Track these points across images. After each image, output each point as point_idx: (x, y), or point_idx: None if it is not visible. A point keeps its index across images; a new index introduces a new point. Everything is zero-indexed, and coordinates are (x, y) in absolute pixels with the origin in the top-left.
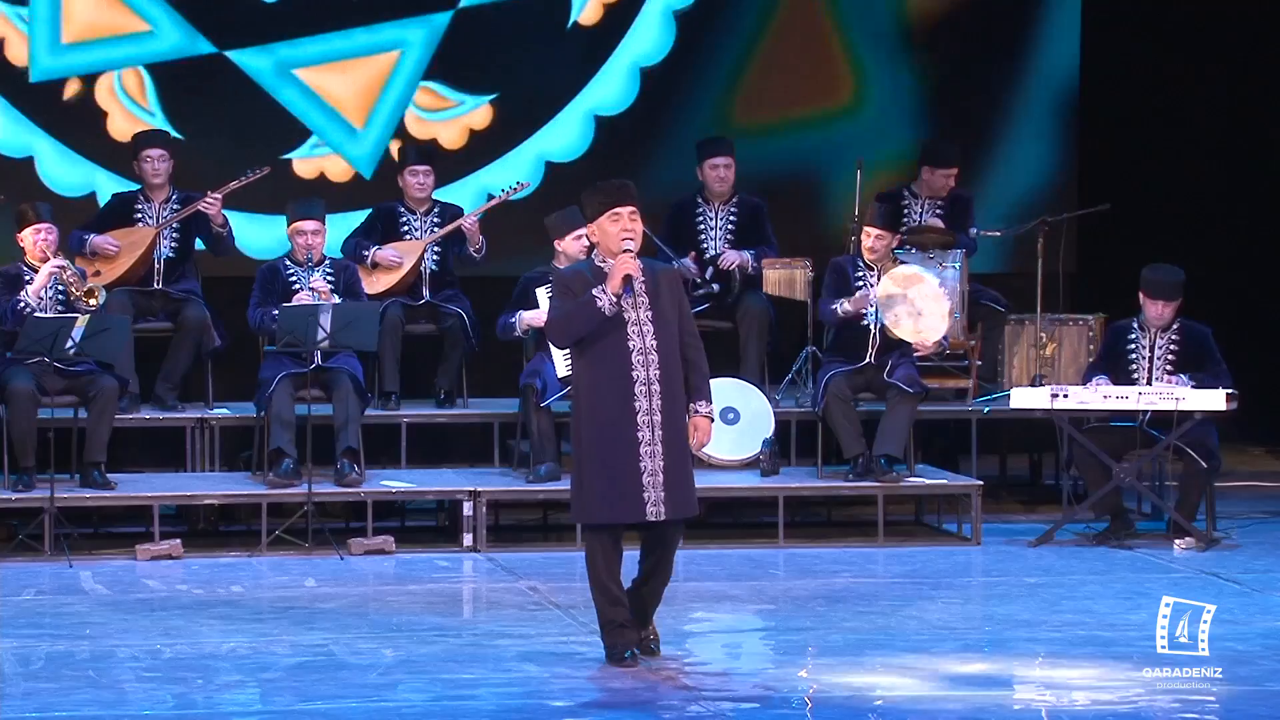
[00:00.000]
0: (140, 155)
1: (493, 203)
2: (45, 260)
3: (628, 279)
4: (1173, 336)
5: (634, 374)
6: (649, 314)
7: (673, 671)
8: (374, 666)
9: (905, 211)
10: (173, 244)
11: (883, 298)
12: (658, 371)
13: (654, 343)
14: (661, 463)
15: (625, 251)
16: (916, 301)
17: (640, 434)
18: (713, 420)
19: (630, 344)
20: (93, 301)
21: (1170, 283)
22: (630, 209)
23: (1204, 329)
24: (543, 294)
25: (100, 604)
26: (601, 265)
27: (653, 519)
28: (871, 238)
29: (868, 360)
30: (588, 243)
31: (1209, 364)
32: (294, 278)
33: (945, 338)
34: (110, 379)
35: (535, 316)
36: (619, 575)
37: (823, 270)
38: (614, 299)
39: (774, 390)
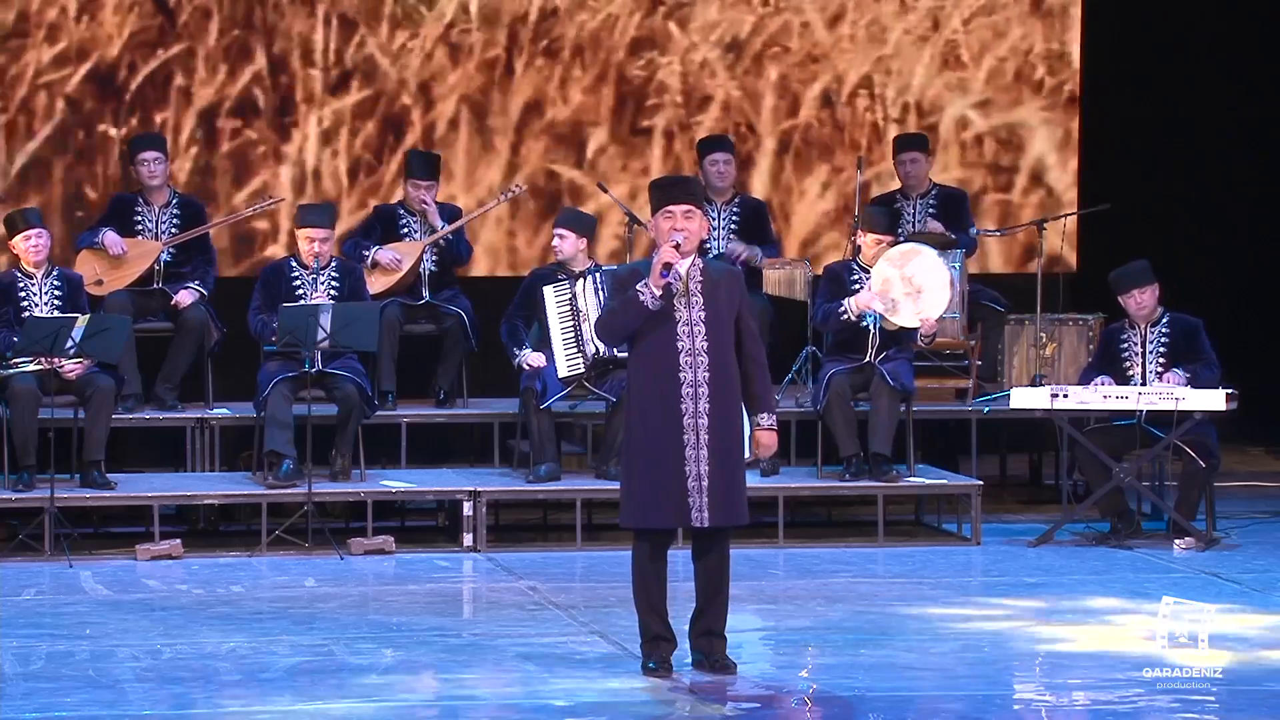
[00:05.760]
0: (136, 159)
1: (493, 204)
2: (39, 267)
3: (666, 267)
4: (1163, 330)
5: (681, 376)
6: (702, 314)
7: (673, 672)
8: (374, 666)
9: (899, 213)
10: (171, 249)
11: (879, 281)
12: (707, 374)
13: (705, 344)
14: (707, 468)
15: (670, 243)
16: (915, 278)
17: (685, 437)
18: (775, 431)
19: (679, 345)
20: None
21: (1134, 271)
22: (685, 207)
23: (1195, 321)
24: (550, 291)
25: (100, 604)
26: None
27: (695, 525)
28: (873, 244)
29: (867, 359)
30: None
31: (1199, 356)
32: (298, 281)
33: (947, 314)
34: (106, 378)
35: (538, 359)
36: (663, 581)
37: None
38: (656, 293)
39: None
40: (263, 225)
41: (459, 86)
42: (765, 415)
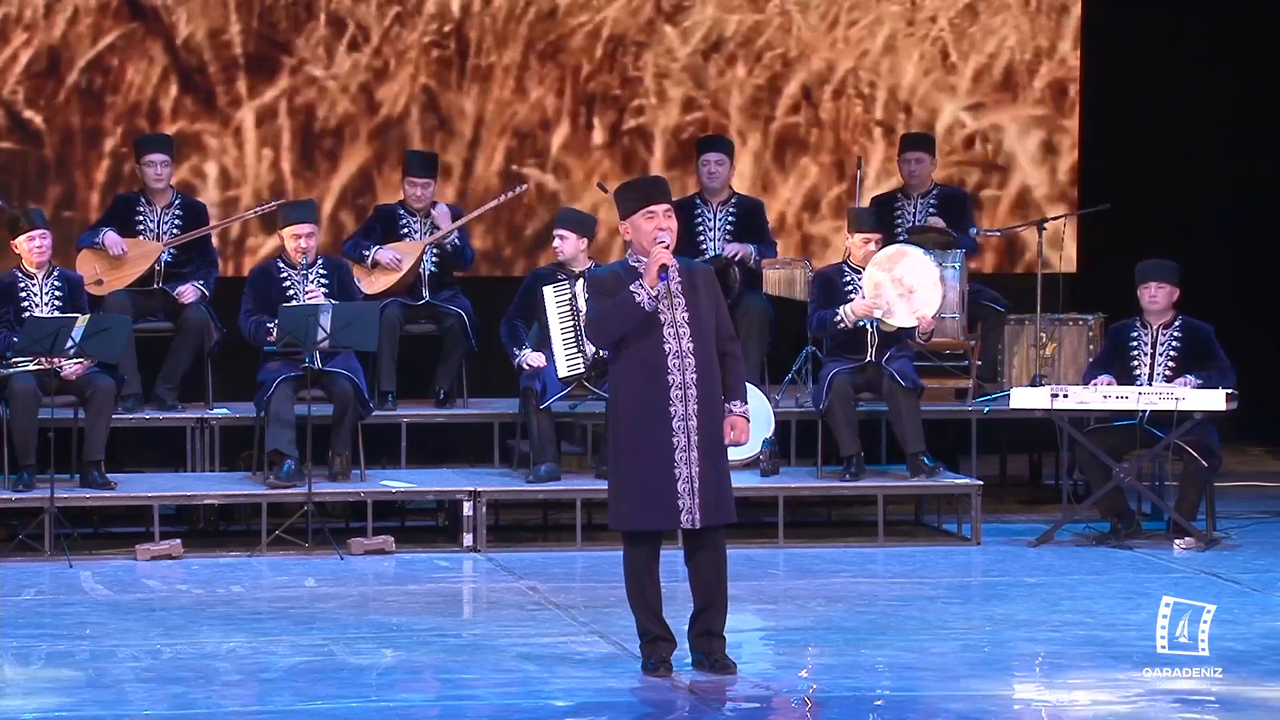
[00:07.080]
0: (142, 160)
1: (493, 203)
2: (41, 268)
3: (663, 269)
4: (1174, 334)
5: (670, 378)
6: (685, 315)
7: (673, 672)
8: (374, 666)
9: (899, 213)
10: (172, 250)
11: (871, 286)
12: (694, 375)
13: (690, 345)
14: (697, 469)
15: (659, 244)
16: (905, 278)
17: (676, 439)
18: (749, 420)
19: (666, 347)
20: None
21: (1158, 265)
22: (665, 207)
23: (1206, 326)
24: (550, 291)
25: (100, 604)
26: (636, 265)
27: (686, 526)
28: (861, 243)
29: (868, 359)
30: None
31: (1212, 361)
32: (288, 280)
33: (947, 314)
34: (107, 378)
35: (538, 359)
36: (658, 582)
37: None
38: (652, 294)
39: (774, 390)
40: None
41: (416, 85)
42: (738, 403)
